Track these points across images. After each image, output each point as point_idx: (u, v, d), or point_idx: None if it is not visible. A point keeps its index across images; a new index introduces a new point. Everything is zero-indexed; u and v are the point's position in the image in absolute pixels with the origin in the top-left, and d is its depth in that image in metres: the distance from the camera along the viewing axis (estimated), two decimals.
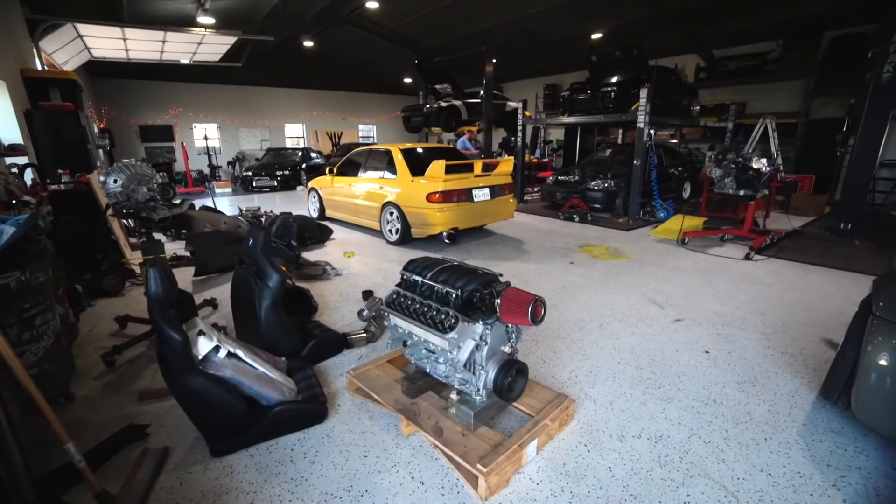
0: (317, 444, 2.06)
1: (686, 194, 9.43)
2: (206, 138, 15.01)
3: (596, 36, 12.12)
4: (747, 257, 5.17)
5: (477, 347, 1.90)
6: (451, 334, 1.81)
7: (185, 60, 12.38)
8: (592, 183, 8.14)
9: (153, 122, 16.38)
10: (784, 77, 10.28)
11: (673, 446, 2.04)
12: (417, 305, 2.01)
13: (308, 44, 15.33)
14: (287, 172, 13.16)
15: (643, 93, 7.16)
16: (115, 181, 3.03)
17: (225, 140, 17.92)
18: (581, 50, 11.76)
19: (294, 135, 19.58)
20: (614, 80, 8.60)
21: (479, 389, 1.93)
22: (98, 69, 14.01)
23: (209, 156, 15.33)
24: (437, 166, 5.31)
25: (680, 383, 2.55)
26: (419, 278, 2.08)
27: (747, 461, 1.94)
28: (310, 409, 2.13)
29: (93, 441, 2.03)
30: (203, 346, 1.88)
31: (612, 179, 8.05)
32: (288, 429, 2.09)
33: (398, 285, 2.18)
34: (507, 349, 1.98)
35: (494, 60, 14.72)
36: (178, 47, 10.17)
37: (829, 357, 2.52)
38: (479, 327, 1.87)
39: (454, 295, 1.90)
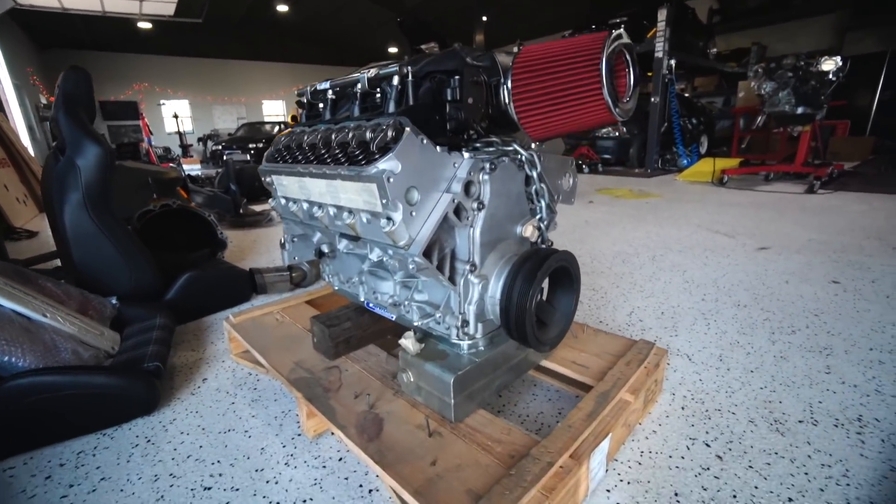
0: (115, 459, 0.94)
1: (703, 149, 8.33)
2: (175, 116, 13.62)
3: None
4: (810, 190, 4.08)
5: (458, 212, 0.78)
6: (385, 162, 0.68)
7: (138, 17, 10.98)
8: (602, 130, 7.03)
9: (115, 97, 15.03)
10: (812, 12, 9.06)
11: (885, 432, 0.94)
12: (322, 134, 0.88)
13: (282, 9, 13.98)
14: (261, 145, 11.88)
15: (661, 15, 6.02)
16: None
17: (197, 118, 16.57)
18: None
19: (274, 112, 18.21)
20: (624, 12, 7.42)
21: (465, 322, 0.81)
22: (48, 37, 12.65)
23: (180, 135, 13.99)
24: None
25: (825, 324, 1.45)
26: (340, 82, 0.94)
27: None
28: (112, 384, 1.01)
29: None
30: None
31: (623, 127, 6.93)
32: (63, 426, 0.98)
33: (294, 118, 1.04)
34: (526, 232, 0.86)
35: (485, 18, 13.54)
36: None
37: None
38: (461, 159, 0.75)
39: (397, 79, 0.77)
